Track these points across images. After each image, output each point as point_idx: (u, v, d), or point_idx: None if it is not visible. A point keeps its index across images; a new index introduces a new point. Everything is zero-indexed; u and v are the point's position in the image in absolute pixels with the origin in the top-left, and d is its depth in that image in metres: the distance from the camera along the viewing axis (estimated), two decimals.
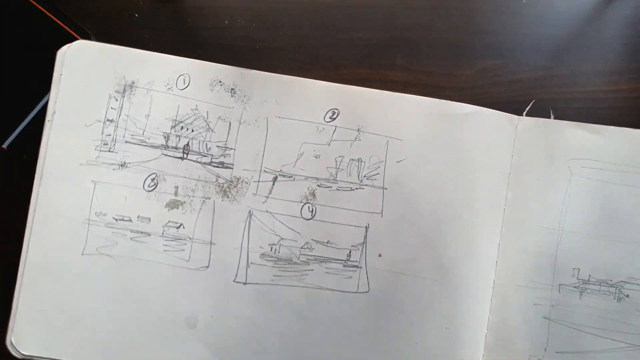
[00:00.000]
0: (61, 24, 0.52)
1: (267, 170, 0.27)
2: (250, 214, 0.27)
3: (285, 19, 0.55)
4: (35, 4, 0.52)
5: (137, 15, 0.54)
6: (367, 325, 0.26)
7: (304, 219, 0.27)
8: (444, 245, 0.27)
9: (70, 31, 0.52)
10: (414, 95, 0.28)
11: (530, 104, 0.29)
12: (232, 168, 0.27)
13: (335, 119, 0.27)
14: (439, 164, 0.27)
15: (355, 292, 0.27)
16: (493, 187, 0.27)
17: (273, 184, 0.27)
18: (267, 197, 0.27)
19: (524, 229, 0.27)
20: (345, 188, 0.27)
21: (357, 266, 0.27)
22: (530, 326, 0.26)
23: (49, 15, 0.52)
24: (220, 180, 0.27)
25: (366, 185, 0.27)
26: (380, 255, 0.27)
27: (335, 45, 0.54)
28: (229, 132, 0.27)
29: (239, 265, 0.27)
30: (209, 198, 0.27)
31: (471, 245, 0.27)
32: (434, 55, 0.55)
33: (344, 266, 0.27)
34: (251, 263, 0.27)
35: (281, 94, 0.28)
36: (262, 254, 0.27)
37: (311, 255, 0.27)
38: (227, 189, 0.27)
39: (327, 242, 0.27)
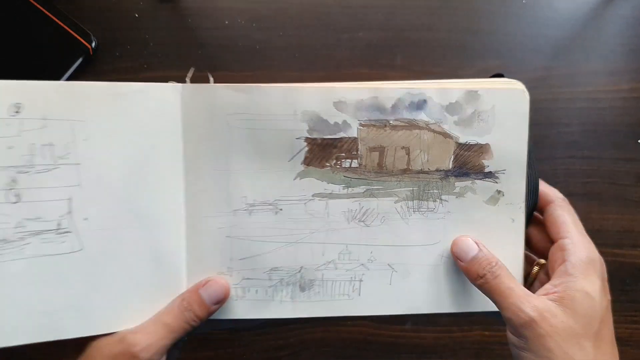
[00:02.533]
0: (61, 24, 0.51)
1: None
2: None
3: (285, 19, 0.54)
4: (35, 4, 0.52)
5: (137, 15, 0.53)
6: (88, 277, 0.32)
7: (11, 202, 0.31)
8: (137, 199, 0.33)
9: (71, 31, 0.51)
10: (91, 82, 0.32)
11: (191, 71, 0.35)
12: None
13: (19, 112, 0.31)
14: (121, 134, 0.32)
15: (71, 252, 0.32)
16: (171, 145, 0.33)
17: None
18: None
19: (202, 173, 0.33)
20: (43, 170, 0.31)
21: (68, 231, 0.32)
22: (218, 245, 0.34)
23: (50, 15, 0.51)
24: None
25: (61, 164, 0.31)
26: (86, 219, 0.32)
27: (335, 45, 0.54)
28: None
29: None
30: None
31: (161, 193, 0.33)
32: (434, 55, 0.54)
33: (56, 234, 0.32)
34: None
35: None
36: None
37: (25, 232, 0.31)
38: None
39: (37, 218, 0.31)
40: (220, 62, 0.52)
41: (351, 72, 0.52)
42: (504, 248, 0.35)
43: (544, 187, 0.36)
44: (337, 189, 0.35)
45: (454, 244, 0.35)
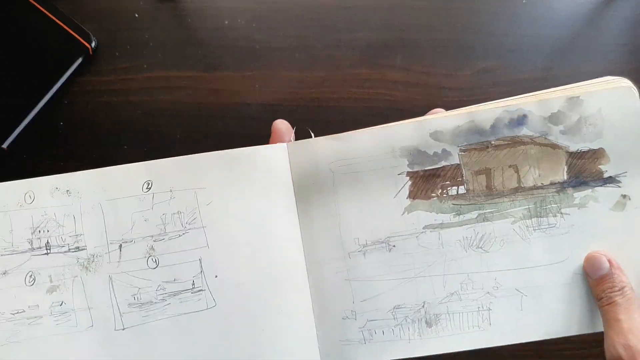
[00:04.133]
0: (62, 24, 0.51)
1: (112, 242, 0.35)
2: (110, 278, 0.35)
3: (285, 19, 0.54)
4: (36, 4, 0.52)
5: (137, 15, 0.53)
6: (222, 331, 0.35)
7: (151, 268, 0.35)
8: (260, 254, 0.35)
9: (71, 31, 0.51)
10: (207, 153, 0.35)
11: (293, 129, 0.38)
12: (86, 249, 0.35)
13: (150, 188, 0.35)
14: (239, 195, 0.35)
15: (206, 309, 0.35)
16: (284, 199, 0.35)
17: (120, 250, 0.35)
18: (118, 261, 0.35)
19: (314, 222, 0.35)
20: (174, 236, 0.35)
21: (201, 289, 0.35)
22: (339, 289, 0.35)
23: (50, 15, 0.51)
24: (81, 260, 0.35)
25: (190, 229, 0.35)
26: (216, 276, 0.35)
27: (335, 45, 0.54)
28: (75, 223, 0.35)
29: (114, 317, 0.35)
30: (77, 276, 0.35)
31: (280, 245, 0.35)
32: (434, 55, 0.53)
33: (192, 293, 0.35)
34: (123, 313, 0.35)
35: (105, 183, 0.35)
36: (129, 304, 0.35)
37: (165, 293, 0.35)
38: (87, 265, 0.35)
39: (174, 280, 0.35)
40: (220, 62, 0.52)
41: (351, 72, 0.52)
42: (637, 257, 0.33)
43: None
44: (447, 218, 0.34)
45: (585, 260, 0.33)
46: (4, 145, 0.49)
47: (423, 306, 0.34)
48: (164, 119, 0.50)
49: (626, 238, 0.33)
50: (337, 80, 0.52)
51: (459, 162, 0.34)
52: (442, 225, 0.34)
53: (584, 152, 0.33)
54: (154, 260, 0.35)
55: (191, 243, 0.35)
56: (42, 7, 0.51)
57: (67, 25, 0.51)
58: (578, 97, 0.33)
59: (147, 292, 0.35)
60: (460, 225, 0.34)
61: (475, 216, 0.34)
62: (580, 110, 0.33)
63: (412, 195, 0.34)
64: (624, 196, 0.33)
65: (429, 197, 0.34)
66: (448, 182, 0.34)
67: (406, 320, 0.34)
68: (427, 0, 0.53)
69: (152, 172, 0.35)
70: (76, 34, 0.51)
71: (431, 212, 0.34)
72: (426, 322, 0.34)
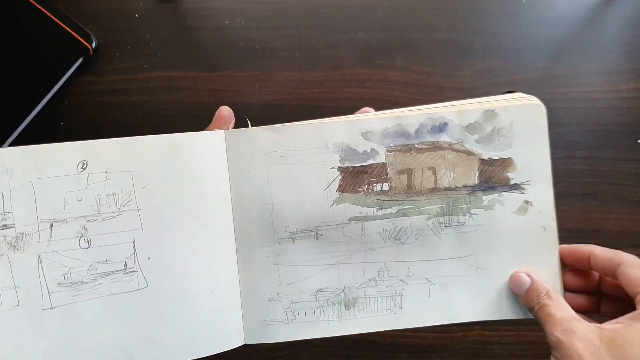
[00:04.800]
0: (62, 24, 0.51)
1: (43, 220, 0.34)
2: (39, 257, 0.34)
3: (285, 19, 0.54)
4: (36, 4, 0.52)
5: (137, 15, 0.53)
6: (154, 311, 0.36)
7: (83, 248, 0.35)
8: (193, 236, 0.36)
9: (71, 31, 0.51)
10: (146, 136, 0.35)
11: (232, 123, 0.39)
12: (14, 227, 0.34)
13: (85, 168, 0.35)
14: (175, 179, 0.36)
15: (138, 289, 0.35)
16: (219, 185, 0.37)
17: (51, 230, 0.34)
18: (49, 240, 0.34)
19: (247, 207, 0.37)
20: (108, 217, 0.35)
21: (134, 271, 0.35)
22: (267, 272, 0.37)
23: (50, 15, 0.51)
24: (8, 239, 0.34)
25: (124, 210, 0.35)
26: (149, 258, 0.35)
27: (335, 45, 0.54)
28: (3, 200, 0.34)
29: (42, 296, 0.34)
30: (2, 254, 0.34)
31: (213, 229, 0.36)
32: (434, 55, 0.54)
33: (124, 273, 0.34)
34: (52, 292, 0.34)
35: (38, 161, 0.34)
36: (58, 284, 0.34)
37: (97, 273, 0.35)
38: (15, 244, 0.34)
39: (106, 261, 0.35)
40: (220, 62, 0.52)
41: (351, 72, 0.52)
42: (538, 257, 0.37)
43: (608, 252, 0.35)
44: (371, 211, 0.37)
45: (510, 281, 0.37)
46: (5, 145, 0.49)
47: (343, 290, 0.37)
48: (164, 119, 0.50)
49: (526, 239, 0.37)
50: (337, 80, 0.52)
51: (385, 161, 0.37)
52: (365, 218, 0.37)
53: (494, 160, 0.37)
54: (86, 240, 0.35)
55: (125, 225, 0.35)
56: (42, 7, 0.51)
57: (67, 26, 0.50)
58: (493, 110, 0.37)
59: (78, 272, 0.35)
60: (381, 219, 0.37)
61: (395, 211, 0.37)
62: (494, 122, 0.37)
63: (342, 189, 0.37)
64: (527, 202, 0.37)
65: (356, 192, 0.37)
66: (374, 179, 0.37)
67: (327, 303, 0.37)
68: (427, 0, 0.53)
69: (88, 152, 0.35)
70: (76, 34, 0.50)
71: (357, 205, 0.37)
72: (345, 304, 0.37)
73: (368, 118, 0.37)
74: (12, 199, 0.34)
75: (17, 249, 0.34)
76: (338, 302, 0.37)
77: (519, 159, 0.37)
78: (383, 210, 0.37)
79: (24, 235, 0.34)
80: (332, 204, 0.37)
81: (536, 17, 0.53)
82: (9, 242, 0.34)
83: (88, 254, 0.35)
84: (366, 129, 0.37)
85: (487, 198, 0.37)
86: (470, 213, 0.37)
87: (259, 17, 0.53)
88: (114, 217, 0.35)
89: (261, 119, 0.50)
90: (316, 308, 0.37)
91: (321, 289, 0.37)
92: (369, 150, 0.37)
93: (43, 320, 0.34)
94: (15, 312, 0.34)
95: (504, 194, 0.37)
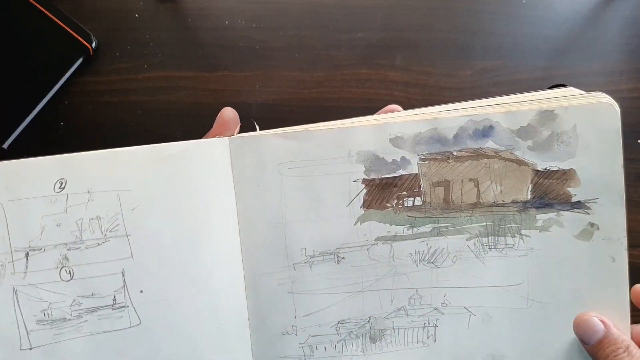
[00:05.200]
0: (62, 24, 0.51)
1: (17, 249, 0.30)
2: (15, 291, 0.30)
3: (285, 19, 0.53)
4: (36, 4, 0.52)
5: (137, 15, 0.53)
6: (148, 351, 0.31)
7: (65, 281, 0.30)
8: (193, 264, 0.31)
9: (71, 31, 0.51)
10: (134, 147, 0.30)
11: (237, 128, 0.34)
12: None
13: (64, 187, 0.30)
14: (171, 199, 0.31)
15: (129, 327, 0.31)
16: (223, 203, 0.32)
17: (27, 260, 0.30)
18: (25, 272, 0.30)
19: (257, 228, 0.32)
20: (92, 245, 0.30)
21: (124, 306, 0.31)
22: (280, 302, 0.32)
23: (50, 15, 0.51)
24: None
25: (111, 237, 0.31)
26: (141, 292, 0.31)
27: (335, 45, 0.54)
28: None
29: (19, 335, 0.30)
30: None
31: (217, 255, 0.32)
32: (434, 55, 0.53)
33: (112, 309, 0.31)
34: (30, 331, 0.30)
35: (9, 180, 0.30)
36: (37, 321, 0.30)
37: (81, 309, 0.30)
38: None
39: (92, 295, 0.30)
40: (220, 62, 0.52)
41: (351, 72, 0.52)
42: (604, 293, 0.31)
43: None
44: (401, 230, 0.32)
45: (575, 325, 0.31)
46: (5, 146, 0.49)
47: (369, 321, 0.33)
48: (164, 119, 0.50)
49: (590, 270, 0.31)
50: (337, 80, 0.52)
51: (417, 172, 0.32)
52: (394, 238, 0.32)
53: (552, 171, 0.31)
54: (68, 271, 0.30)
55: (112, 253, 0.30)
56: (42, 7, 0.51)
57: (67, 25, 0.50)
58: (552, 110, 0.30)
59: (60, 308, 0.30)
60: (413, 239, 0.32)
61: (429, 230, 0.32)
62: (553, 126, 0.31)
63: (367, 204, 0.32)
64: (592, 224, 0.31)
65: (384, 208, 0.32)
66: (405, 193, 0.32)
67: (350, 336, 0.33)
68: (427, 0, 0.53)
69: (67, 168, 0.30)
70: (76, 34, 0.50)
71: (385, 224, 0.32)
72: (370, 337, 0.33)
73: (397, 121, 0.32)
74: None
75: None
76: (363, 335, 0.32)
77: (583, 171, 0.30)
78: (415, 229, 0.32)
79: None
80: (356, 223, 0.32)
81: (536, 17, 0.53)
82: None
83: (70, 287, 0.30)
84: (395, 134, 0.31)
85: (542, 217, 0.31)
86: (521, 234, 0.31)
87: (259, 17, 0.52)
88: (99, 244, 0.30)
89: (261, 119, 0.50)
90: (337, 342, 0.32)
91: (343, 321, 0.32)
92: (398, 159, 0.32)
93: None
94: None
95: (564, 213, 0.31)
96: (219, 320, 0.32)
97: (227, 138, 0.32)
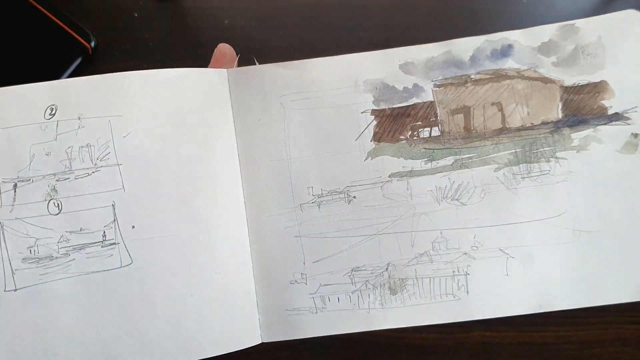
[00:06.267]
0: (61, 24, 0.51)
1: (5, 180, 0.28)
2: (2, 226, 0.28)
3: (285, 19, 0.53)
4: (35, 4, 0.52)
5: (136, 15, 0.53)
6: (140, 295, 0.28)
7: (52, 214, 0.28)
8: (190, 200, 0.28)
9: (70, 31, 0.51)
10: (126, 72, 0.29)
11: (236, 59, 0.32)
12: None
13: (54, 114, 0.28)
14: (166, 128, 0.28)
15: (120, 267, 0.28)
16: (223, 137, 0.29)
17: (15, 192, 0.28)
18: (12, 205, 0.28)
19: (259, 166, 0.29)
20: (82, 175, 0.28)
21: (114, 243, 0.28)
22: (286, 247, 0.29)
23: (49, 15, 0.51)
24: None
25: (102, 166, 0.28)
26: (133, 227, 0.28)
27: (335, 45, 0.54)
28: None
29: (4, 275, 0.28)
30: None
31: (216, 193, 0.29)
32: None
33: (102, 247, 0.28)
34: (16, 270, 0.28)
35: None
36: (23, 259, 0.28)
37: (69, 246, 0.28)
38: None
39: (80, 230, 0.28)
40: None
41: None
42: None
43: None
44: (418, 164, 0.29)
45: None
46: None
47: (387, 269, 0.29)
48: None
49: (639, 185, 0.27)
50: None
51: (432, 99, 0.29)
52: (411, 173, 0.29)
53: (582, 85, 0.28)
54: (57, 204, 0.28)
55: (103, 184, 0.28)
56: (42, 7, 0.51)
57: (66, 25, 0.50)
58: (573, 24, 0.28)
59: (47, 245, 0.28)
60: (432, 173, 0.29)
61: (450, 162, 0.29)
62: (577, 39, 0.28)
63: (377, 137, 0.29)
64: (636, 135, 0.28)
65: (397, 140, 0.29)
66: (420, 123, 0.29)
67: (366, 286, 0.29)
68: (427, 0, 0.53)
69: (57, 94, 0.28)
70: (76, 33, 0.50)
71: (399, 158, 0.29)
72: (390, 288, 0.29)
73: (408, 47, 0.30)
74: None
75: None
76: (381, 285, 0.28)
77: (616, 82, 0.28)
78: (434, 162, 0.29)
79: None
80: (367, 158, 0.29)
81: (536, 17, 0.53)
82: None
83: (58, 222, 0.28)
84: (406, 60, 0.29)
85: (577, 136, 0.28)
86: (556, 157, 0.28)
87: (259, 17, 0.52)
88: (88, 174, 0.28)
89: None
90: (352, 292, 0.29)
91: (358, 268, 0.29)
92: (410, 87, 0.29)
93: (5, 304, 0.27)
94: None
95: (601, 127, 0.28)
96: (219, 266, 0.28)
97: (225, 70, 0.30)
